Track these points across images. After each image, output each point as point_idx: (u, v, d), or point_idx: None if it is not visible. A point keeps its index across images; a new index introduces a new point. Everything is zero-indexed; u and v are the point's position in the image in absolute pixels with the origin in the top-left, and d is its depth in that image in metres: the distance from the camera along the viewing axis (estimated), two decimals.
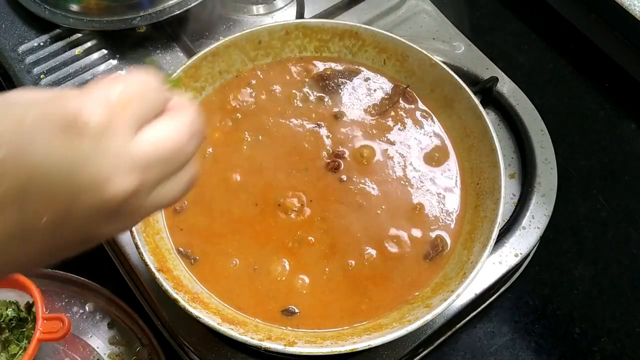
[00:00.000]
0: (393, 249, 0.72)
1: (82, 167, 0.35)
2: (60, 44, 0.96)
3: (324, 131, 0.81)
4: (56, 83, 0.92)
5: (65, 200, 0.35)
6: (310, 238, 0.72)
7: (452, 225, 0.74)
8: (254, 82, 0.84)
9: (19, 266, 0.39)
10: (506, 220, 0.83)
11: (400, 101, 0.84)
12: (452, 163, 0.79)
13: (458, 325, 0.83)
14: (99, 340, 0.81)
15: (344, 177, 0.76)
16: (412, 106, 0.84)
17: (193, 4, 0.94)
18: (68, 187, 0.35)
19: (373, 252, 0.72)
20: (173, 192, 0.42)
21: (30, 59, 0.95)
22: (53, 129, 0.35)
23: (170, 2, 0.94)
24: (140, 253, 0.66)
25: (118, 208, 0.37)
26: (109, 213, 0.37)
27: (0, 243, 0.35)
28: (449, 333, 0.83)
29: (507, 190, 0.82)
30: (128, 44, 0.97)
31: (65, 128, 0.35)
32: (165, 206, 0.42)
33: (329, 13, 0.99)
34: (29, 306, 0.79)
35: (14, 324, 0.79)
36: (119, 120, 0.37)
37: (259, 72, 0.85)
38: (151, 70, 0.41)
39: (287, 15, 1.02)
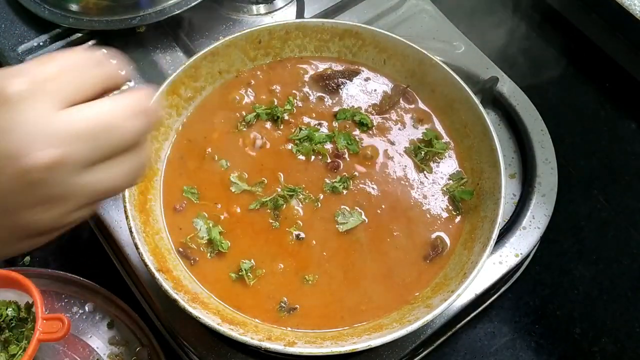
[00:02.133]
0: (393, 249, 0.72)
1: (2, 135, 0.35)
2: (59, 43, 0.96)
3: (324, 131, 0.81)
4: None
5: None
6: (310, 238, 0.72)
7: (452, 226, 0.74)
8: (253, 82, 0.84)
9: None
10: (506, 220, 0.83)
11: (401, 101, 0.84)
12: (452, 163, 0.79)
13: (458, 326, 0.83)
14: (99, 341, 0.81)
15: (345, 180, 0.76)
16: (413, 106, 0.84)
17: (193, 4, 0.94)
18: None
19: (373, 252, 0.72)
20: (114, 176, 0.39)
21: (29, 58, 0.95)
22: None
23: (170, 2, 0.94)
24: (140, 253, 0.66)
25: (41, 180, 0.36)
26: (33, 186, 0.36)
27: None
28: (449, 333, 0.83)
29: (508, 190, 0.82)
30: (128, 44, 0.97)
31: None
32: (107, 192, 0.40)
33: (329, 13, 0.99)
34: (29, 306, 0.79)
35: (13, 324, 0.79)
36: (42, 91, 0.36)
37: (258, 72, 0.85)
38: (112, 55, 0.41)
39: (287, 15, 1.02)
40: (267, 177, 0.76)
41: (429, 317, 0.63)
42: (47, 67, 0.38)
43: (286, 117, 0.81)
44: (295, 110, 0.82)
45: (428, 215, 0.75)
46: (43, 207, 0.37)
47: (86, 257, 0.91)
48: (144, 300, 0.82)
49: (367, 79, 0.86)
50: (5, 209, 0.36)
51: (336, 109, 0.83)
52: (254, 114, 0.81)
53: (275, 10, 1.03)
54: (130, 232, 0.67)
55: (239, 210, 0.74)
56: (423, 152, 0.79)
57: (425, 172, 0.78)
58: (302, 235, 0.72)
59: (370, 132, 0.81)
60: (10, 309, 0.79)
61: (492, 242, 0.67)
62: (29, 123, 0.35)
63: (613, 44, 1.03)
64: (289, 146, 0.79)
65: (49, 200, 0.37)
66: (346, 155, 0.79)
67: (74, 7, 0.95)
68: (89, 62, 0.40)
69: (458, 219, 0.75)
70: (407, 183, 0.77)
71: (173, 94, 0.78)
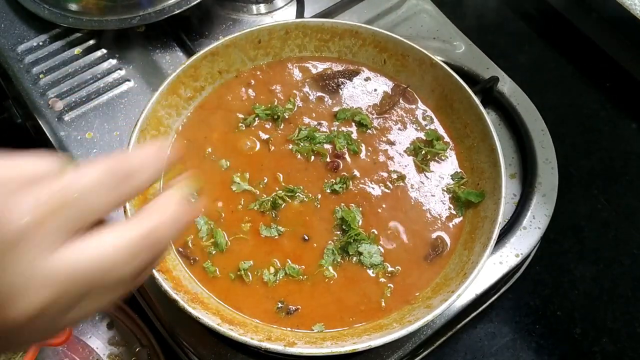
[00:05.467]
0: (393, 249, 0.72)
1: None
2: (59, 43, 0.96)
3: (324, 131, 0.81)
4: (55, 82, 0.92)
5: None
6: (310, 238, 0.72)
7: (453, 226, 0.74)
8: (253, 82, 0.84)
9: None
10: (507, 220, 0.83)
11: (401, 101, 0.84)
12: (453, 163, 0.79)
13: (459, 326, 0.83)
14: (99, 341, 0.81)
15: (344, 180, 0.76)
16: (413, 106, 0.83)
17: (193, 4, 0.94)
18: None
19: (373, 252, 0.72)
20: (93, 308, 0.36)
21: (29, 58, 0.95)
22: None
23: (170, 2, 0.94)
24: None
25: (24, 326, 0.33)
26: (14, 330, 0.33)
27: None
28: (449, 333, 0.83)
29: (508, 190, 0.82)
30: (127, 44, 0.96)
31: None
32: (82, 319, 0.39)
33: (329, 12, 0.99)
34: None
35: None
36: (39, 230, 0.32)
37: (258, 72, 0.85)
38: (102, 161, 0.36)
39: (287, 14, 1.02)
40: (267, 177, 0.76)
41: (429, 318, 0.62)
42: (48, 193, 0.33)
43: (286, 117, 0.81)
44: (295, 110, 0.82)
45: (428, 216, 0.75)
46: (29, 336, 0.36)
47: None
48: (143, 300, 0.82)
49: (367, 79, 0.86)
50: None
51: (336, 109, 0.83)
52: (254, 114, 0.81)
53: (275, 10, 1.03)
54: None
55: (239, 209, 0.74)
56: (423, 152, 0.79)
57: (425, 172, 0.78)
58: (303, 235, 0.72)
59: (370, 132, 0.81)
60: None
61: (492, 242, 0.67)
62: (19, 270, 0.32)
63: (613, 44, 1.03)
64: (289, 146, 0.79)
65: (36, 333, 0.35)
66: (346, 156, 0.78)
67: (73, 6, 0.95)
68: (92, 185, 0.35)
69: (458, 219, 0.75)
70: (407, 183, 0.77)
71: (173, 94, 0.78)
